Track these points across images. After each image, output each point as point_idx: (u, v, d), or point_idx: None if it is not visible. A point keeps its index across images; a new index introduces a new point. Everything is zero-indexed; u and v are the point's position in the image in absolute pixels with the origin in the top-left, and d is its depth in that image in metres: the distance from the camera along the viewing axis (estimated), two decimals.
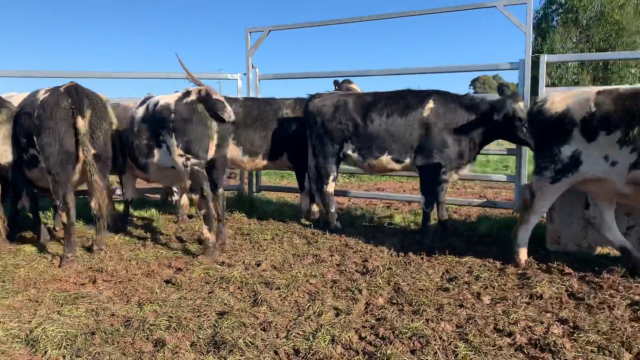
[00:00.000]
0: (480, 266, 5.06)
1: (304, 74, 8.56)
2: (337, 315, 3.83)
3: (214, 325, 3.66)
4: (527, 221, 5.09)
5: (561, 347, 3.24)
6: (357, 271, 4.98)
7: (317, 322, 3.68)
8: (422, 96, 6.30)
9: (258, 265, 5.15)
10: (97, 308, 3.98)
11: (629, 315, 3.81)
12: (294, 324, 3.65)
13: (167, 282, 4.67)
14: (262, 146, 7.29)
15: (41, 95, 5.39)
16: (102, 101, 5.55)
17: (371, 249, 5.78)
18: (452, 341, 3.38)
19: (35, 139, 5.31)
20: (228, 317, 3.73)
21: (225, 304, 4.10)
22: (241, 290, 4.41)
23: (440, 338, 3.40)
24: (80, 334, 3.52)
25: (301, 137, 7.03)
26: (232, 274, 4.69)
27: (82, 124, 5.14)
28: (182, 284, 4.56)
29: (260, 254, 5.54)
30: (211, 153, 5.59)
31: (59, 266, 5.12)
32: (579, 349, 3.26)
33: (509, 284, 4.55)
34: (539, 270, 4.87)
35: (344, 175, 12.28)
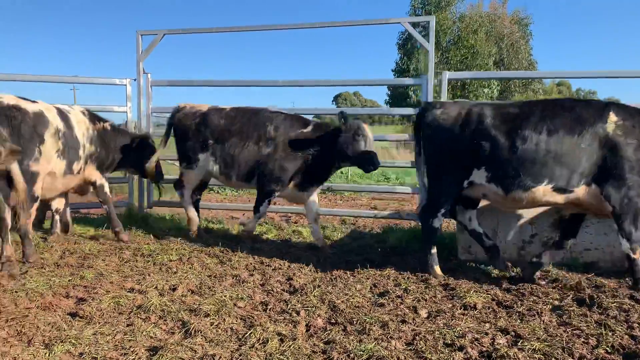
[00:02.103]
0: (404, 279, 5.07)
1: (203, 81, 8.10)
2: (281, 341, 3.54)
3: None
4: None
5: (514, 358, 3.28)
6: (284, 290, 4.73)
7: (265, 351, 3.37)
8: (597, 108, 4.81)
9: (174, 290, 4.67)
10: None
11: (556, 320, 4.01)
12: (240, 356, 3.30)
13: (72, 315, 4.02)
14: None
15: None
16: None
17: (289, 266, 5.56)
18: None
19: None
20: (162, 352, 3.27)
21: (151, 337, 3.62)
22: (165, 321, 3.93)
23: (398, 358, 3.28)
24: None
25: None
26: (151, 301, 4.18)
27: None
28: (92, 316, 3.96)
29: (172, 277, 5.05)
30: None
31: None
32: (528, 358, 3.33)
33: (438, 295, 4.60)
34: (461, 280, 4.99)
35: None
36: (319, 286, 4.75)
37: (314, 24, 7.75)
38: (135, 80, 7.95)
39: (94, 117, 6.63)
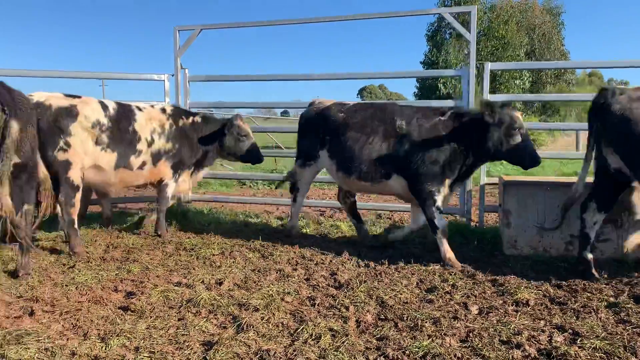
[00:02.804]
0: (450, 274, 4.99)
1: (239, 76, 8.11)
2: (334, 337, 3.51)
3: (205, 358, 3.20)
4: None
5: (575, 356, 3.19)
6: (330, 285, 4.70)
7: (319, 347, 3.35)
8: None
9: (220, 284, 4.69)
10: (52, 347, 3.32)
11: (613, 317, 3.88)
12: (294, 351, 3.28)
13: (123, 308, 4.06)
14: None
15: None
16: (29, 102, 4.79)
17: (331, 261, 5.53)
18: (468, 357, 3.21)
19: None
20: (217, 347, 3.28)
21: (204, 331, 3.63)
22: (215, 315, 3.94)
23: (455, 355, 3.22)
24: None
25: None
26: (200, 296, 4.19)
27: (15, 128, 4.37)
28: (143, 310, 3.99)
29: (216, 271, 5.06)
30: None
31: None
32: (589, 357, 3.24)
33: (487, 291, 4.51)
34: (509, 276, 4.88)
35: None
36: (364, 281, 4.71)
37: (354, 15, 7.62)
38: (173, 75, 7.99)
39: (178, 113, 6.69)
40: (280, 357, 3.23)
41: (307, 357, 3.21)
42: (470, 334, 3.55)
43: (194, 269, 5.20)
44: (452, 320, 3.82)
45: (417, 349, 3.29)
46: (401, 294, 4.38)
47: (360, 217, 6.65)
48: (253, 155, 6.86)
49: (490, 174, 7.12)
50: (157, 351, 3.27)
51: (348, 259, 5.54)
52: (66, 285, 4.63)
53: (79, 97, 5.97)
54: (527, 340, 3.45)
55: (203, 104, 8.95)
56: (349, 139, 5.85)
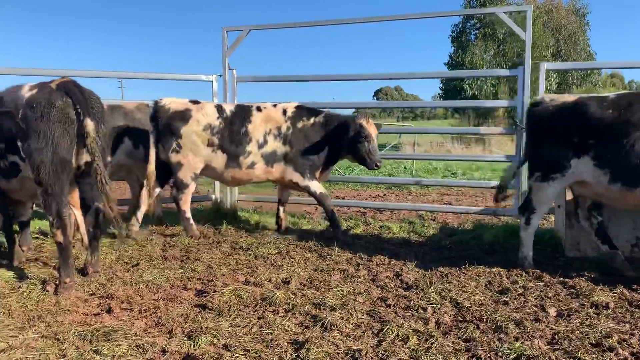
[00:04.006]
0: (517, 276, 4.93)
1: (287, 76, 8.14)
2: (419, 338, 3.49)
3: (298, 357, 3.19)
4: None
5: None
6: (398, 287, 4.67)
7: (408, 348, 3.32)
8: None
9: (287, 283, 4.69)
10: (142, 344, 3.34)
11: None
12: (385, 352, 3.26)
13: (201, 306, 4.08)
14: None
15: (26, 93, 4.58)
16: (100, 101, 4.84)
17: (391, 262, 5.50)
18: None
19: (19, 144, 4.51)
20: (308, 346, 3.27)
21: (287, 330, 3.63)
22: (293, 314, 3.93)
23: (550, 358, 3.18)
24: None
25: None
26: (275, 295, 4.20)
27: (91, 127, 4.42)
28: (221, 308, 4.00)
29: (280, 271, 5.07)
30: None
31: (55, 293, 4.35)
32: None
33: (561, 293, 4.45)
34: (578, 279, 4.81)
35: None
36: (433, 283, 4.67)
37: (402, 15, 7.60)
38: (221, 76, 8.04)
39: (299, 114, 6.64)
40: (372, 358, 3.21)
41: (399, 358, 3.18)
42: (557, 336, 3.50)
43: (257, 268, 5.21)
44: (534, 322, 3.77)
45: (508, 351, 3.25)
46: (474, 296, 4.33)
47: (610, 240, 5.20)
48: (370, 159, 6.32)
49: None
50: (247, 349, 3.27)
51: (408, 260, 5.51)
52: (135, 283, 4.67)
53: (199, 102, 6.56)
54: (619, 343, 3.39)
55: None
56: (634, 140, 4.62)
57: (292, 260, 5.52)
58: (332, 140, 6.53)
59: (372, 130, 6.37)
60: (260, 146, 6.49)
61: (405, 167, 16.03)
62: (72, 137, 4.49)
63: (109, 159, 5.83)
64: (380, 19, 7.76)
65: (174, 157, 6.40)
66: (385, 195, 11.69)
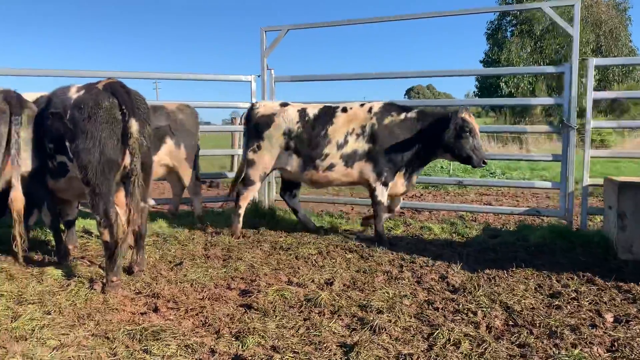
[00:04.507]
0: (568, 279, 4.77)
1: (325, 76, 8.10)
2: (471, 343, 3.39)
3: None
4: None
5: None
6: (445, 289, 4.56)
7: (461, 353, 3.23)
8: None
9: (330, 284, 4.64)
10: (191, 344, 3.34)
11: None
12: (437, 356, 3.18)
13: (246, 307, 4.06)
14: None
15: (74, 94, 4.66)
16: (145, 101, 4.88)
17: (434, 263, 5.38)
18: None
19: (67, 144, 4.59)
20: (357, 349, 3.21)
21: (334, 332, 3.57)
22: (339, 316, 3.88)
23: None
24: None
25: None
26: (320, 296, 4.15)
27: (135, 128, 4.46)
28: (266, 309, 3.98)
29: (322, 271, 5.02)
30: None
31: (102, 292, 4.40)
32: None
33: (616, 298, 4.27)
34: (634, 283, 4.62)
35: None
36: (480, 286, 4.55)
37: (442, 12, 7.47)
38: (259, 76, 8.05)
39: (387, 111, 6.33)
40: None
41: None
42: (616, 343, 3.36)
43: (298, 268, 5.18)
44: (591, 328, 3.63)
45: (566, 358, 3.13)
46: (524, 299, 4.20)
47: None
48: (476, 156, 5.86)
49: (593, 174, 6.78)
50: (300, 352, 3.23)
51: (453, 262, 5.39)
52: (180, 282, 4.69)
53: (287, 104, 6.71)
54: None
55: None
56: None
57: (334, 260, 5.47)
58: (426, 137, 6.08)
59: (474, 123, 5.91)
60: (340, 147, 6.35)
61: (442, 167, 15.78)
62: (119, 138, 4.54)
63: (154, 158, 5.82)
64: (417, 17, 7.62)
65: (250, 155, 6.65)
66: (422, 195, 11.53)
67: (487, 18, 34.33)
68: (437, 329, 3.55)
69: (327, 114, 6.50)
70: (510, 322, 3.80)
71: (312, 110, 6.57)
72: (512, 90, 29.10)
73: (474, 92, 36.58)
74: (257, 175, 6.66)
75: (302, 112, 6.58)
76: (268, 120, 6.59)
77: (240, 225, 6.71)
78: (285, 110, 6.61)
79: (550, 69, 6.69)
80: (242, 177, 6.85)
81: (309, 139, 6.43)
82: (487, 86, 31.92)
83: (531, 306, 4.08)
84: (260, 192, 8.26)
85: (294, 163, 6.55)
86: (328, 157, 6.37)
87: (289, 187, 7.07)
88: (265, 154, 6.58)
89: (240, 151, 11.61)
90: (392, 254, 5.79)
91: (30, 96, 5.18)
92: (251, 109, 6.84)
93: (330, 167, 6.40)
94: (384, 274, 5.00)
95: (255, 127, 6.66)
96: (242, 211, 6.73)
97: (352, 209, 8.94)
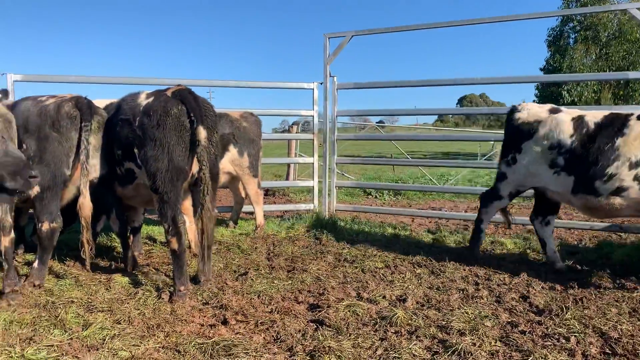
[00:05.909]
0: None
1: (387, 82, 7.88)
2: None
3: None
4: None
5: None
6: (529, 310, 4.23)
7: None
8: None
9: (403, 301, 4.40)
10: None
11: None
12: None
13: (318, 322, 3.88)
14: None
15: (143, 101, 4.63)
16: (214, 109, 4.81)
17: (512, 281, 5.04)
18: None
19: (135, 151, 4.56)
20: None
21: (415, 355, 3.33)
22: (418, 337, 3.63)
23: None
24: None
25: None
26: (395, 314, 3.92)
27: (203, 135, 4.38)
28: (339, 326, 3.78)
29: (392, 287, 4.79)
30: None
31: (170, 301, 4.32)
32: None
33: None
34: None
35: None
36: (568, 308, 4.19)
37: (508, 17, 7.14)
38: (321, 83, 7.92)
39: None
40: None
41: None
42: None
43: (367, 282, 4.96)
44: None
45: None
46: (621, 325, 3.83)
47: None
48: None
49: None
50: None
51: (532, 280, 5.04)
52: (247, 294, 4.57)
53: (558, 110, 5.45)
54: None
55: (351, 112, 8.78)
56: None
57: (402, 275, 5.22)
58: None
59: None
60: (633, 167, 4.89)
61: None
62: (187, 145, 4.48)
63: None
64: (481, 21, 7.29)
65: (502, 167, 5.68)
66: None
67: (548, 24, 33.21)
68: (530, 356, 3.25)
69: (616, 123, 5.06)
70: (608, 350, 3.45)
71: (594, 119, 5.20)
72: (575, 99, 27.90)
73: (533, 100, 35.16)
74: (506, 191, 5.69)
75: (579, 121, 5.25)
76: (530, 129, 5.46)
77: (480, 243, 6.01)
78: (554, 118, 5.37)
79: (635, 75, 6.15)
80: (491, 188, 5.96)
81: (587, 155, 5.10)
82: (547, 95, 30.77)
83: (629, 333, 3.71)
84: (321, 201, 8.11)
85: (562, 183, 5.27)
86: (614, 178, 4.94)
87: (543, 210, 5.73)
88: (520, 169, 5.52)
89: (297, 159, 11.65)
90: (464, 270, 5.48)
91: (100, 103, 5.21)
92: (511, 112, 5.71)
93: (617, 191, 4.97)
94: (459, 292, 4.70)
95: (513, 134, 5.60)
96: (484, 226, 5.92)
97: (413, 221, 8.63)
